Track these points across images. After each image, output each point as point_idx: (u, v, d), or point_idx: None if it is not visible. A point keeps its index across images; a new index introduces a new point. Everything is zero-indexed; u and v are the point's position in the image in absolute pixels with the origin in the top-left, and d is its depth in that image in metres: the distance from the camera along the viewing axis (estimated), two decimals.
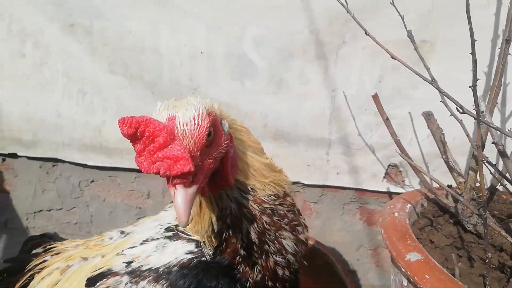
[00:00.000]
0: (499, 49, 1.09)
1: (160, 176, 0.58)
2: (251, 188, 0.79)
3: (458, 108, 0.76)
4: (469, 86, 0.74)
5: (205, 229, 0.79)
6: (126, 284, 0.84)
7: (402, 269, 0.80)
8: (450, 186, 1.13)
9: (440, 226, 1.07)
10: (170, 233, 0.92)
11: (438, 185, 1.02)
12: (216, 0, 1.43)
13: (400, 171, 1.55)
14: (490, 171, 0.90)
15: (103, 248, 1.01)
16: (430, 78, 0.87)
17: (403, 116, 1.48)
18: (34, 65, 1.63)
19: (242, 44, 1.47)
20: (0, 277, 1.12)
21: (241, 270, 0.80)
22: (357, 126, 1.50)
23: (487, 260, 0.76)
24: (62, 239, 1.20)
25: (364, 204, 1.64)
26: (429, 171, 1.52)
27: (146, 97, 1.60)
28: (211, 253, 0.82)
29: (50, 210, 1.87)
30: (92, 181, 1.80)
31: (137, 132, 0.59)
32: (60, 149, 1.72)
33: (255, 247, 0.79)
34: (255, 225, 0.78)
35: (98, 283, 0.88)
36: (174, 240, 0.89)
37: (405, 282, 0.86)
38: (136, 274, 0.85)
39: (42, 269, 1.06)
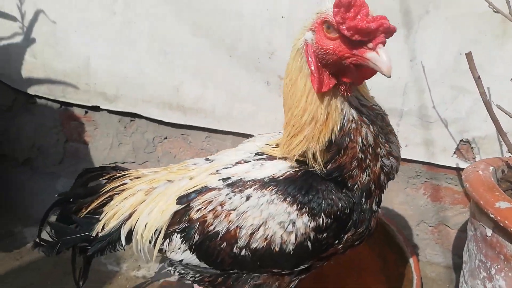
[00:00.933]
0: None
1: (373, 32, 0.71)
2: (365, 97, 0.88)
3: None
4: None
5: (323, 142, 0.84)
6: (227, 194, 0.92)
7: (491, 216, 0.83)
8: None
9: None
10: (263, 156, 0.98)
11: None
12: None
13: (472, 148, 1.54)
14: None
15: (189, 172, 1.08)
16: None
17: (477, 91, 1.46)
18: (123, 23, 1.75)
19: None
20: (66, 203, 1.19)
21: (354, 174, 0.85)
22: (432, 98, 1.50)
23: None
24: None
25: (430, 179, 1.64)
26: (502, 150, 1.50)
27: (224, 60, 1.68)
28: (318, 167, 0.87)
29: (124, 163, 2.02)
30: (165, 138, 1.92)
31: (351, 1, 0.71)
32: (139, 104, 1.84)
33: (370, 150, 0.85)
34: (371, 128, 0.85)
35: (192, 198, 0.97)
36: (270, 160, 0.95)
37: (489, 232, 0.88)
38: (237, 185, 0.92)
39: (122, 190, 1.14)
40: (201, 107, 1.78)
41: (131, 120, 1.93)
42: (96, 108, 1.94)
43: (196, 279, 1.02)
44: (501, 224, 0.80)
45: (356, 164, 0.85)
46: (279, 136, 1.06)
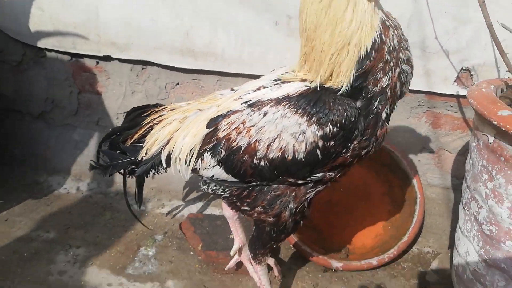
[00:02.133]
0: None
1: None
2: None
3: None
4: None
5: (368, 45, 0.92)
6: (248, 113, 1.03)
7: (494, 123, 0.94)
8: None
9: None
10: (280, 81, 1.07)
11: None
12: None
13: (471, 75, 1.64)
14: None
15: (217, 101, 1.18)
16: None
17: (480, 20, 1.53)
18: None
19: None
20: (114, 135, 1.31)
21: (378, 77, 0.93)
22: (434, 29, 1.58)
23: None
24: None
25: (431, 108, 1.76)
26: (499, 75, 1.61)
27: (234, 2, 1.71)
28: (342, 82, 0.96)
29: None
30: (177, 84, 1.99)
31: None
32: (151, 52, 1.89)
33: (395, 53, 0.93)
34: (397, 32, 0.95)
35: (219, 121, 1.08)
36: (287, 83, 1.05)
37: (491, 139, 1.01)
38: (256, 105, 1.03)
39: (160, 121, 1.25)
40: (212, 51, 1.84)
41: (143, 68, 1.99)
42: (107, 58, 1.99)
43: (226, 193, 1.16)
44: (503, 129, 0.92)
45: (382, 66, 0.93)
46: (294, 66, 1.15)
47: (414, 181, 1.67)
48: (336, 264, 1.55)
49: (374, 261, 1.56)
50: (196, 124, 1.13)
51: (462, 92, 1.66)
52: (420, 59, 1.65)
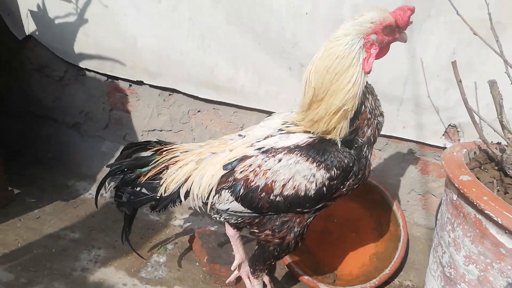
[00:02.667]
0: None
1: (408, 23, 1.15)
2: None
3: None
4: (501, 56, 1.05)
5: (352, 113, 1.18)
6: (263, 159, 1.25)
7: (456, 185, 1.16)
8: (499, 143, 1.45)
9: (486, 170, 1.40)
10: (284, 131, 1.31)
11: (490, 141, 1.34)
12: None
13: (458, 131, 1.85)
14: None
15: (228, 145, 1.38)
16: (501, 52, 1.17)
17: (468, 85, 1.75)
18: (167, 9, 2.02)
19: (342, 9, 1.78)
20: (121, 171, 1.42)
21: (364, 130, 1.23)
22: (427, 89, 1.80)
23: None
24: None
25: (421, 156, 1.97)
26: (484, 133, 1.81)
27: (254, 46, 1.96)
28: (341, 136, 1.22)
29: (161, 130, 2.35)
30: (199, 111, 2.24)
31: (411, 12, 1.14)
32: (178, 81, 2.15)
33: (373, 112, 1.23)
34: (373, 96, 1.24)
35: (235, 165, 1.29)
36: (293, 133, 1.29)
37: (455, 197, 1.22)
38: (270, 152, 1.26)
39: (176, 162, 1.43)
40: (232, 86, 2.09)
41: (170, 94, 2.24)
42: (139, 82, 2.25)
43: (238, 221, 1.38)
44: (462, 191, 1.13)
45: (366, 123, 1.22)
46: (291, 115, 1.38)
47: (400, 220, 1.87)
48: (323, 287, 1.76)
49: None
50: (212, 166, 1.34)
51: (449, 145, 1.87)
52: (413, 113, 1.87)
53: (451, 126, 1.85)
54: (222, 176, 1.32)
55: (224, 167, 1.32)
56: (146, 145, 1.52)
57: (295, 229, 1.34)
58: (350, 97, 1.15)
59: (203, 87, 2.12)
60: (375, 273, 1.81)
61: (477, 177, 1.36)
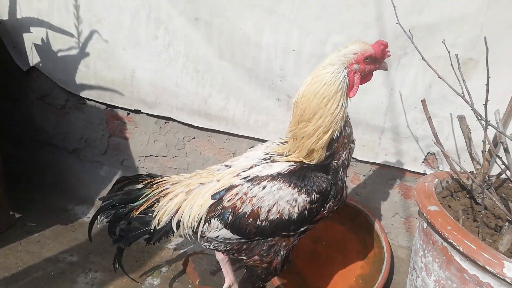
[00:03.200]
0: None
1: (385, 55, 1.32)
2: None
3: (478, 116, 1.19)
4: (483, 104, 1.17)
5: (331, 137, 1.31)
6: (248, 187, 1.35)
7: (424, 215, 1.26)
8: (471, 172, 1.56)
9: (458, 198, 1.51)
10: (268, 160, 1.42)
11: (461, 169, 1.45)
12: (310, 11, 1.87)
13: (436, 159, 1.96)
14: (496, 162, 1.32)
15: (215, 176, 1.48)
16: (463, 93, 1.29)
17: (445, 116, 1.87)
18: (163, 45, 2.16)
19: (325, 47, 1.91)
20: (113, 206, 1.49)
21: (340, 154, 1.35)
22: (406, 119, 1.92)
23: (479, 217, 1.20)
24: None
25: (403, 181, 2.08)
26: (460, 160, 1.93)
27: (244, 79, 2.09)
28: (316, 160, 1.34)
29: (157, 156, 2.46)
30: (193, 138, 2.35)
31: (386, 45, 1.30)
32: (173, 110, 2.27)
33: (345, 140, 1.35)
34: (349, 124, 1.37)
35: (223, 195, 1.39)
36: (276, 162, 1.40)
37: (425, 225, 1.32)
38: (255, 180, 1.36)
39: (166, 194, 1.51)
40: (224, 115, 2.21)
41: (166, 122, 2.36)
42: (137, 111, 2.37)
43: (227, 248, 1.47)
44: (430, 221, 1.23)
45: (343, 146, 1.35)
46: (273, 145, 1.52)
47: (384, 243, 1.96)
48: None
49: None
50: (201, 196, 1.44)
51: (429, 171, 1.98)
52: (394, 141, 1.99)
53: (430, 153, 1.96)
54: (211, 205, 1.41)
55: (213, 196, 1.41)
56: (137, 179, 1.60)
57: (282, 252, 1.43)
58: (338, 119, 1.29)
59: (197, 116, 2.24)
60: None
61: (448, 205, 1.47)
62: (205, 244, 1.52)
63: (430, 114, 1.74)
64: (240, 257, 1.48)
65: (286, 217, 1.33)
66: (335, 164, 1.37)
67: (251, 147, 1.63)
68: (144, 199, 1.52)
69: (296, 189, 1.31)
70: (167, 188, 1.54)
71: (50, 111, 2.56)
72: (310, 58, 1.95)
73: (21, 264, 1.97)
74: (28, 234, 2.19)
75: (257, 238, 1.41)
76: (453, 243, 1.12)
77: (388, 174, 2.09)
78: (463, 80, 1.47)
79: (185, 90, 2.21)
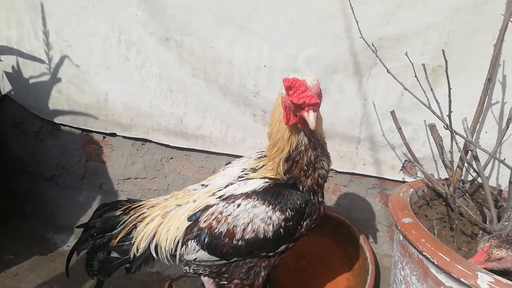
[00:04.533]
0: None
1: (303, 104, 1.12)
2: (316, 133, 1.29)
3: (445, 125, 1.20)
4: (446, 115, 1.17)
5: (284, 156, 1.29)
6: (223, 205, 1.33)
7: (399, 228, 1.25)
8: (446, 179, 1.57)
9: (434, 206, 1.51)
10: (243, 178, 1.41)
11: (437, 177, 1.45)
12: (280, 28, 1.87)
13: (414, 166, 1.97)
14: (466, 168, 1.32)
15: (192, 196, 1.46)
16: (429, 104, 1.29)
17: (419, 123, 1.88)
18: (135, 67, 2.14)
19: (297, 61, 1.92)
20: (91, 237, 1.47)
21: (302, 179, 1.31)
22: (382, 128, 1.93)
23: (454, 225, 1.20)
24: None
25: (383, 190, 2.08)
26: (437, 166, 1.94)
27: (219, 97, 2.08)
28: (284, 177, 1.33)
29: (136, 178, 2.42)
30: (171, 158, 2.32)
31: (291, 85, 1.14)
32: (149, 132, 2.25)
33: (311, 165, 1.30)
34: (314, 152, 1.29)
35: (199, 216, 1.37)
36: (251, 179, 1.38)
37: (401, 237, 1.31)
38: (230, 198, 1.34)
39: (143, 218, 1.48)
40: (201, 133, 2.19)
41: (142, 144, 2.33)
42: (112, 134, 2.34)
43: (206, 271, 1.44)
44: (404, 234, 1.23)
45: (303, 173, 1.30)
46: (250, 161, 1.50)
47: (368, 253, 1.95)
48: None
49: None
50: (177, 218, 1.42)
51: (407, 179, 1.98)
52: (371, 151, 1.99)
53: (407, 161, 1.97)
54: (187, 227, 1.39)
55: (189, 218, 1.39)
56: (116, 205, 1.57)
57: (262, 273, 1.41)
58: (280, 138, 1.29)
59: (173, 136, 2.22)
60: None
61: (425, 215, 1.47)
62: (185, 268, 1.49)
63: (403, 123, 1.75)
64: (221, 282, 1.45)
65: (262, 236, 1.30)
66: (301, 188, 1.34)
67: (228, 163, 1.61)
68: (122, 226, 1.49)
69: (271, 206, 1.29)
70: (144, 213, 1.51)
71: (25, 138, 2.51)
72: (282, 73, 1.95)
73: None
74: (5, 268, 2.12)
75: (235, 259, 1.39)
76: (427, 255, 1.12)
77: (368, 184, 2.09)
78: (431, 89, 1.48)
79: (159, 110, 2.19)
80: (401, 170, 1.99)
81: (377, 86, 1.89)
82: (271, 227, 1.29)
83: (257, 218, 1.29)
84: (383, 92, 1.89)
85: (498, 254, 1.07)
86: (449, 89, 1.23)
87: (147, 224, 1.47)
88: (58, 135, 2.45)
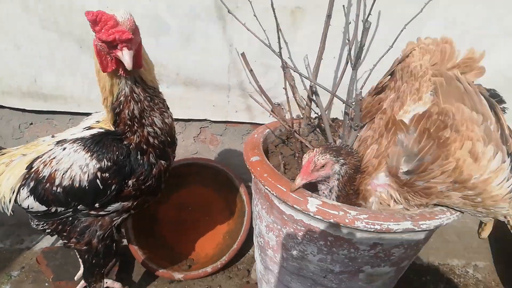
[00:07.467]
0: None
1: (114, 40, 1.00)
2: (143, 81, 1.19)
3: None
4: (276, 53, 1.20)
5: (109, 103, 1.20)
6: (52, 149, 1.28)
7: (248, 166, 1.29)
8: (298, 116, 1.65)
9: (290, 144, 1.58)
10: (87, 128, 1.35)
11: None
12: None
13: (282, 108, 2.03)
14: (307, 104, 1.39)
15: (38, 146, 1.40)
16: (280, 52, 1.31)
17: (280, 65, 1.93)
18: None
19: (157, 6, 1.80)
20: None
21: (128, 135, 1.23)
22: (247, 74, 1.94)
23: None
24: None
25: None
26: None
27: (75, 50, 1.89)
28: (112, 128, 1.26)
29: None
30: (31, 123, 2.10)
31: (96, 18, 1.00)
32: (0, 96, 1.99)
33: (136, 120, 1.20)
34: (138, 105, 1.19)
35: (35, 161, 1.30)
36: (92, 129, 1.33)
37: (253, 176, 1.36)
38: (61, 142, 1.30)
39: None
40: (61, 93, 2.00)
41: None
42: None
43: (46, 227, 1.38)
44: (251, 171, 1.27)
45: (128, 128, 1.21)
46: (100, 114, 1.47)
47: (244, 197, 2.01)
48: (178, 275, 1.84)
49: (209, 269, 1.88)
50: (19, 166, 1.34)
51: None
52: (241, 97, 2.01)
53: (276, 104, 2.02)
54: (23, 174, 1.32)
55: (27, 166, 1.32)
56: None
57: (98, 233, 1.37)
58: (102, 87, 1.23)
59: (29, 98, 1.99)
60: (226, 250, 1.95)
61: (280, 152, 1.53)
62: (32, 223, 1.44)
63: (268, 67, 1.76)
64: (63, 241, 1.42)
65: (77, 185, 1.23)
66: (126, 144, 1.24)
67: (88, 114, 1.54)
68: None
69: (89, 153, 1.23)
70: None
71: None
72: (143, 20, 1.76)
73: None
74: None
75: (59, 210, 1.32)
76: (268, 188, 1.17)
77: (242, 130, 2.13)
78: (279, 31, 1.50)
79: (8, 70, 1.93)
80: (270, 114, 2.05)
81: (241, 32, 1.86)
82: (86, 175, 1.22)
83: (75, 164, 1.23)
84: (246, 38, 1.88)
85: (322, 160, 1.13)
86: (278, 26, 1.24)
87: None
88: None
